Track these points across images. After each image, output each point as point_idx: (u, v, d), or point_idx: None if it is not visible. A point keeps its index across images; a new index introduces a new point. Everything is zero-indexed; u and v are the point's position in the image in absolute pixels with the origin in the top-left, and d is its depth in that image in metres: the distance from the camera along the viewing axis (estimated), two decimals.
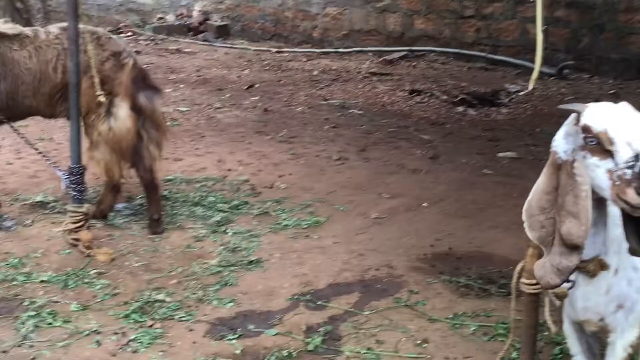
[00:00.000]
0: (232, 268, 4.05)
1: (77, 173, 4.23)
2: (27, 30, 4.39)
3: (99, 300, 3.70)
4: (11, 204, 4.82)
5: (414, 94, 8.27)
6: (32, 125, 6.61)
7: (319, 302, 3.71)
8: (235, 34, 11.75)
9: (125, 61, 4.41)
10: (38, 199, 4.89)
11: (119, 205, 4.89)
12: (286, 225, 4.66)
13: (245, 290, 3.83)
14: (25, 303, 3.62)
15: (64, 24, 4.29)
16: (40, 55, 4.29)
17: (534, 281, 2.77)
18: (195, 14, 11.76)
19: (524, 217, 2.47)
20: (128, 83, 4.37)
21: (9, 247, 4.22)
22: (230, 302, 3.70)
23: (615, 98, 8.04)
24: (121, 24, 11.95)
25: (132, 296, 3.73)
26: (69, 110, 4.20)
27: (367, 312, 3.62)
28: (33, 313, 3.53)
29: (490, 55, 9.72)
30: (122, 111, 4.36)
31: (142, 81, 4.49)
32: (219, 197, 5.07)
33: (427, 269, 4.14)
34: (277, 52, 10.68)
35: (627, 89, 8.38)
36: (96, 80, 4.18)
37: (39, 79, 4.30)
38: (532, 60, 9.08)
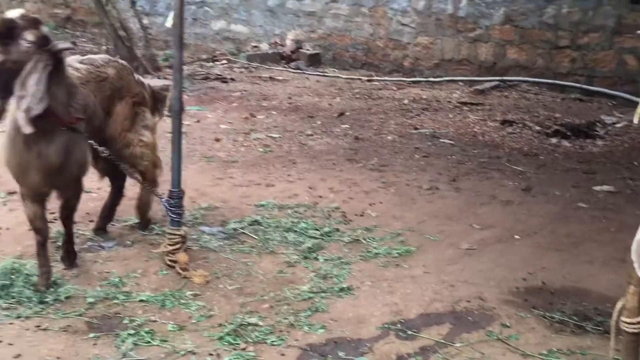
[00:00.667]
0: (323, 294, 4.09)
1: (176, 197, 4.38)
2: None
3: (194, 321, 3.80)
4: (112, 225, 5.00)
5: (505, 125, 8.19)
6: None
7: (410, 332, 3.71)
8: (326, 62, 11.91)
9: (141, 80, 4.89)
10: (137, 220, 5.05)
11: (214, 229, 5.02)
12: (377, 253, 4.68)
13: (336, 317, 3.86)
14: (125, 321, 3.75)
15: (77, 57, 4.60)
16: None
17: (635, 320, 2.72)
18: (288, 42, 12.00)
19: (633, 256, 2.42)
20: (150, 97, 4.88)
21: (110, 266, 4.39)
22: (321, 328, 3.74)
23: None
24: (217, 52, 12.30)
25: (226, 319, 3.81)
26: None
27: (458, 344, 3.60)
28: (132, 331, 3.65)
29: (585, 86, 9.54)
30: (152, 122, 4.85)
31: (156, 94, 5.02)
32: (310, 224, 5.13)
33: (519, 302, 4.08)
34: (368, 80, 10.76)
35: None
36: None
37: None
38: (630, 92, 8.90)
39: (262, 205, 5.50)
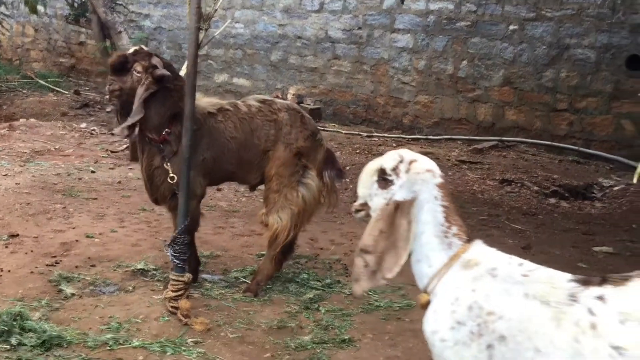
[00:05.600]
0: (324, 345, 4.09)
1: (181, 243, 4.40)
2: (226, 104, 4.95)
3: None
4: (114, 270, 5.01)
5: (504, 184, 8.27)
6: (135, 196, 6.93)
7: None
8: (327, 117, 12.07)
9: (322, 142, 4.94)
10: (139, 266, 5.05)
11: (215, 277, 5.04)
12: (378, 306, 4.69)
13: None
14: None
15: (260, 97, 5.05)
16: (244, 126, 4.81)
17: None
18: (289, 96, 12.15)
19: None
20: (322, 160, 4.87)
21: (112, 311, 4.38)
22: None
23: None
24: None
25: None
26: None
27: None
28: None
29: (583, 149, 9.67)
30: (314, 183, 4.82)
31: (330, 162, 4.97)
32: (311, 275, 5.16)
33: None
34: (368, 136, 10.88)
35: None
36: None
37: (243, 148, 4.84)
38: (627, 156, 9.03)
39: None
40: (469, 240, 2.58)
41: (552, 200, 7.72)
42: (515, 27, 10.22)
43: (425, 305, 2.59)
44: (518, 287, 2.41)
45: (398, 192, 2.60)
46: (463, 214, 6.98)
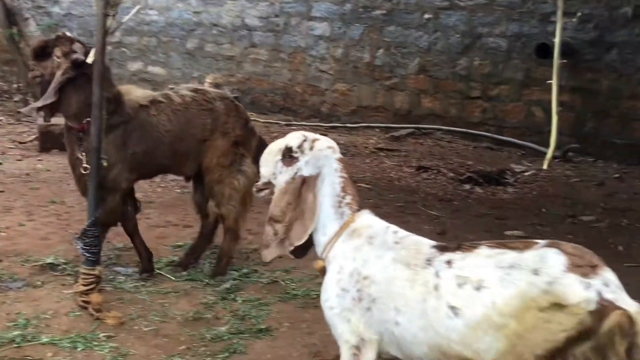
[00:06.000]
0: (241, 335, 4.04)
1: (91, 235, 4.27)
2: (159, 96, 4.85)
3: None
4: (22, 265, 4.83)
5: (421, 170, 8.39)
6: (44, 189, 6.71)
7: None
8: (245, 106, 11.83)
9: (254, 130, 5.02)
10: (49, 260, 4.88)
11: (129, 270, 4.92)
12: (295, 294, 4.67)
13: (254, 359, 3.81)
14: None
15: (192, 86, 5.05)
16: (179, 118, 4.74)
17: None
18: (206, 85, 11.99)
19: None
20: (255, 148, 4.89)
21: (18, 307, 4.22)
22: None
23: (620, 182, 8.15)
24: None
25: None
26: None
27: None
28: None
29: (496, 136, 9.89)
30: (250, 170, 4.83)
31: (263, 149, 4.83)
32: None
33: None
34: (286, 125, 10.85)
35: (631, 174, 8.49)
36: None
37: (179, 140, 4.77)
38: (538, 142, 9.28)
39: (180, 246, 5.43)
40: (359, 209, 2.81)
41: (467, 186, 7.87)
42: (430, 15, 10.35)
43: (321, 271, 2.85)
44: (389, 253, 2.67)
45: (304, 168, 2.85)
46: (380, 201, 7.07)
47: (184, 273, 4.93)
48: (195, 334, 4.05)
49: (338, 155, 2.90)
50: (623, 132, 9.10)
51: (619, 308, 2.31)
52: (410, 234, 2.76)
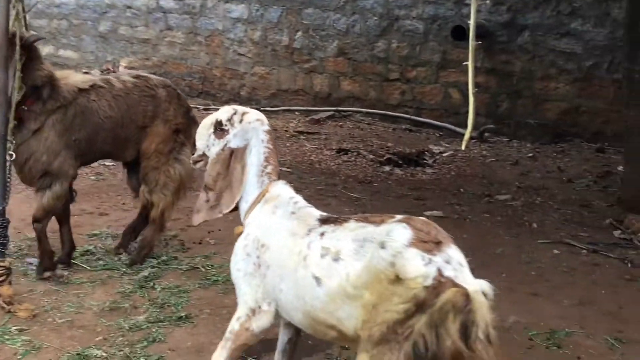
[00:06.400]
0: (160, 324, 3.96)
1: (0, 226, 4.10)
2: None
3: (20, 357, 3.56)
4: None
5: (341, 153, 8.40)
6: None
7: (250, 358, 3.66)
8: None
9: (194, 118, 4.96)
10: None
11: (35, 261, 4.74)
12: (216, 280, 4.61)
13: (174, 347, 3.74)
14: None
15: (133, 72, 5.00)
16: (120, 104, 4.64)
17: None
18: (121, 69, 11.69)
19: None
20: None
21: None
22: (158, 359, 3.62)
23: (534, 161, 8.37)
24: None
25: (56, 353, 3.60)
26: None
27: None
28: None
29: (414, 117, 9.99)
30: (188, 159, 4.68)
31: None
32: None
33: None
34: (205, 109, 10.68)
35: (544, 153, 8.72)
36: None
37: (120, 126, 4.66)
38: (455, 123, 9.43)
39: (95, 235, 5.30)
40: (276, 179, 2.99)
41: (387, 168, 7.93)
42: None
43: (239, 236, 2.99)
44: (285, 223, 2.82)
45: (232, 140, 3.03)
46: (301, 184, 7.04)
47: (122, 256, 4.91)
48: (112, 324, 3.95)
49: (266, 127, 3.07)
50: (536, 113, 9.33)
51: (456, 285, 2.36)
52: (308, 205, 2.90)
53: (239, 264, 2.92)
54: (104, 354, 3.60)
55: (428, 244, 2.45)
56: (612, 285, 4.86)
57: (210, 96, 11.51)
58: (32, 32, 4.42)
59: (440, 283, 2.37)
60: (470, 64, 8.77)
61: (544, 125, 9.19)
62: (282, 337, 3.13)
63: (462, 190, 7.18)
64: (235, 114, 3.08)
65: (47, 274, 4.52)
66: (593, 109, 9.02)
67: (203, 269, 4.79)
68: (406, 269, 2.41)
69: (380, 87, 10.31)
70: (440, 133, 9.65)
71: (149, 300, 4.26)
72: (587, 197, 7.03)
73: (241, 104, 10.96)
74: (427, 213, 6.31)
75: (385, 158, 8.20)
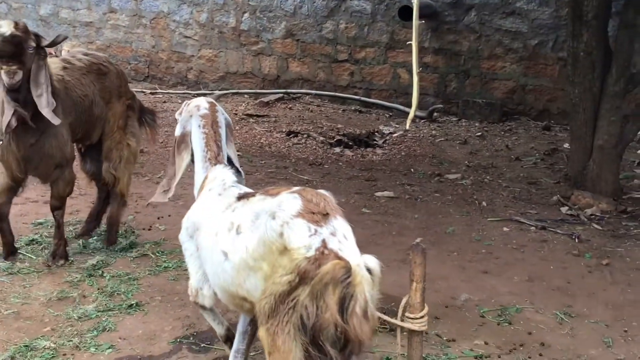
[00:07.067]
0: (110, 313, 3.89)
1: None
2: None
3: None
4: None
5: (291, 135, 8.36)
6: None
7: (203, 345, 3.62)
8: None
9: (133, 92, 5.08)
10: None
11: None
12: (167, 267, 4.54)
13: (124, 335, 3.68)
14: None
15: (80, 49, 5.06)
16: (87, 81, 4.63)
17: (419, 315, 2.83)
18: (64, 53, 11.40)
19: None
20: (138, 108, 5.04)
21: None
22: (108, 348, 3.55)
23: (482, 140, 8.45)
24: None
25: (2, 346, 3.50)
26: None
27: (252, 353, 3.55)
28: None
29: (364, 98, 9.99)
30: (137, 131, 4.97)
31: (143, 108, 5.20)
32: (93, 240, 4.90)
33: None
34: (152, 93, 10.53)
35: (492, 131, 8.81)
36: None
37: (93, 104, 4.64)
38: (404, 103, 9.46)
39: (41, 224, 5.18)
40: (216, 163, 3.05)
41: (337, 150, 7.92)
42: None
43: None
44: (213, 204, 2.88)
45: (177, 129, 3.22)
46: (251, 167, 6.98)
47: (90, 240, 4.90)
48: (60, 314, 3.86)
49: (203, 111, 3.16)
50: (484, 92, 9.42)
51: (339, 258, 2.36)
52: (237, 185, 2.97)
53: (185, 244, 3.03)
54: (53, 345, 3.52)
55: (316, 215, 2.45)
56: (560, 261, 4.94)
57: (157, 80, 11.33)
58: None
59: (323, 255, 2.37)
60: (414, 43, 8.84)
61: (491, 104, 9.28)
62: (244, 318, 3.08)
63: (412, 170, 7.21)
64: (184, 104, 3.26)
65: (61, 262, 4.51)
66: (539, 87, 9.15)
67: (153, 256, 4.71)
68: (291, 239, 2.41)
69: (329, 69, 10.28)
70: (390, 114, 9.67)
71: (98, 289, 4.17)
72: (535, 174, 7.13)
73: (188, 87, 10.87)
74: (379, 194, 6.33)
75: (335, 140, 8.19)
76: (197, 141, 3.12)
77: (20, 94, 3.99)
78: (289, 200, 2.51)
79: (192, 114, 3.17)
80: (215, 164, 3.06)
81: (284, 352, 2.38)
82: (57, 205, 4.49)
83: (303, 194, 2.53)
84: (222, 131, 3.16)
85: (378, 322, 2.47)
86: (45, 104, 4.02)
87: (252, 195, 2.78)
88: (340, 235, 2.44)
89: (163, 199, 3.23)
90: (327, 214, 2.47)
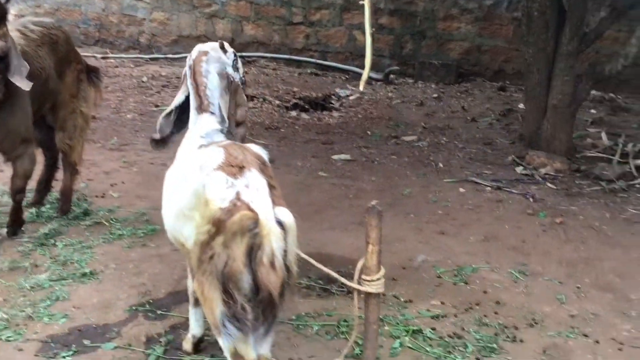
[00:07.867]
0: (63, 282, 3.82)
1: None
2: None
3: None
4: None
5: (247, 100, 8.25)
6: None
7: (159, 312, 3.58)
8: None
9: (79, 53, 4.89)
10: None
11: None
12: (121, 234, 4.47)
13: (78, 305, 3.62)
14: None
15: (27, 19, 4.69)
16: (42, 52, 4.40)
17: (375, 277, 2.83)
18: (10, 18, 11.06)
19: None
20: (84, 69, 4.87)
21: None
22: (62, 317, 3.49)
23: (439, 101, 8.46)
24: None
25: None
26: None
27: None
28: None
29: (319, 61, 9.91)
30: (87, 94, 4.83)
31: (90, 69, 5.00)
32: (46, 209, 4.79)
33: None
34: (103, 58, 10.30)
35: (448, 93, 8.83)
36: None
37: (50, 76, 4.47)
38: (360, 66, 9.39)
39: None
40: (201, 113, 3.00)
41: (293, 113, 7.86)
42: None
43: None
44: (182, 151, 2.95)
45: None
46: None
47: (43, 209, 4.80)
48: (12, 285, 3.78)
49: (190, 62, 3.11)
50: (439, 53, 9.41)
51: (250, 210, 2.42)
52: (209, 136, 2.94)
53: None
54: (5, 316, 3.45)
55: (234, 168, 2.54)
56: (515, 221, 4.99)
57: (108, 44, 11.08)
58: None
59: (236, 206, 2.44)
60: (366, 2, 8.75)
61: (447, 66, 9.28)
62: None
63: (369, 132, 7.20)
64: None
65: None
66: (494, 47, 9.17)
67: (107, 224, 4.63)
68: (210, 190, 2.51)
69: (284, 31, 10.16)
70: (346, 76, 9.62)
71: (51, 258, 4.09)
72: (490, 135, 7.17)
73: (141, 51, 10.65)
74: (335, 157, 6.31)
75: (291, 103, 8.12)
76: (190, 91, 3.10)
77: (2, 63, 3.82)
78: (214, 153, 2.61)
79: (188, 64, 3.14)
80: (200, 113, 3.01)
81: (210, 301, 2.46)
82: (21, 186, 4.31)
83: (228, 147, 2.63)
84: (207, 80, 3.04)
85: (288, 275, 2.51)
86: (14, 70, 3.86)
87: (207, 146, 2.81)
88: (254, 188, 2.51)
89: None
90: (244, 166, 2.54)
